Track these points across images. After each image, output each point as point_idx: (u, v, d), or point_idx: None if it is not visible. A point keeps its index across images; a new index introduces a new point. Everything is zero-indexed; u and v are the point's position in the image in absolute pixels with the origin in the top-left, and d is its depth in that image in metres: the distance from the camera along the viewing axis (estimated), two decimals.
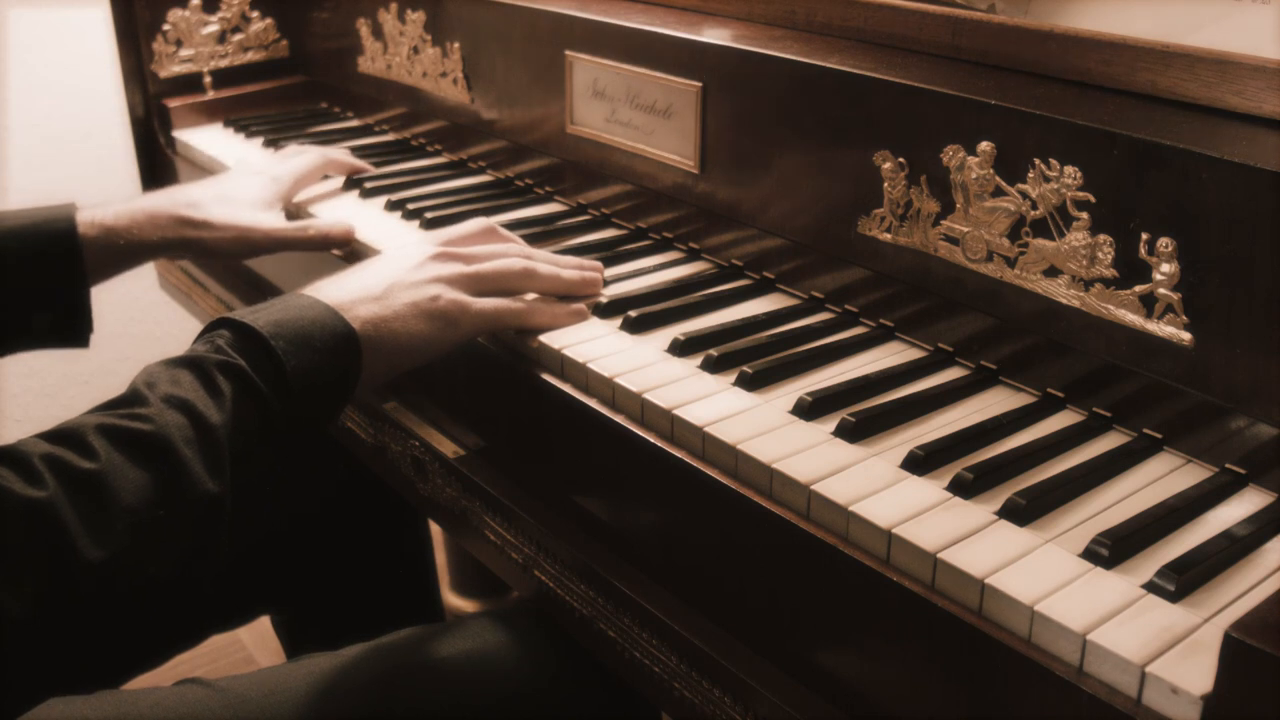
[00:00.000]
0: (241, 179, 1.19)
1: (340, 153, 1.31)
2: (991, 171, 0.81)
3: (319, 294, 0.86)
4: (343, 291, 0.87)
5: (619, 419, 0.83)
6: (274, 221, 1.15)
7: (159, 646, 1.22)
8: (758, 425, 0.78)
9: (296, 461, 1.26)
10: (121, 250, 1.08)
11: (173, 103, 1.53)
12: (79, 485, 0.67)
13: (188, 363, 0.77)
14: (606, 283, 1.01)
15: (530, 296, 0.95)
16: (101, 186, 2.03)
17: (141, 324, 2.23)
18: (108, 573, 0.67)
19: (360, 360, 0.83)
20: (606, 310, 0.96)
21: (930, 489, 0.72)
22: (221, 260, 1.37)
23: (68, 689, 0.95)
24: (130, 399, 0.74)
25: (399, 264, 0.91)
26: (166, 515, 0.70)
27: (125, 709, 0.92)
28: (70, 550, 0.65)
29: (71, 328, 1.07)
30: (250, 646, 2.00)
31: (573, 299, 0.97)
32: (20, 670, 0.66)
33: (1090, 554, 0.65)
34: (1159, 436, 0.77)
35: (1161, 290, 0.73)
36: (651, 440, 0.80)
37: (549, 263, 0.98)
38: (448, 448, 1.02)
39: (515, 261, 0.94)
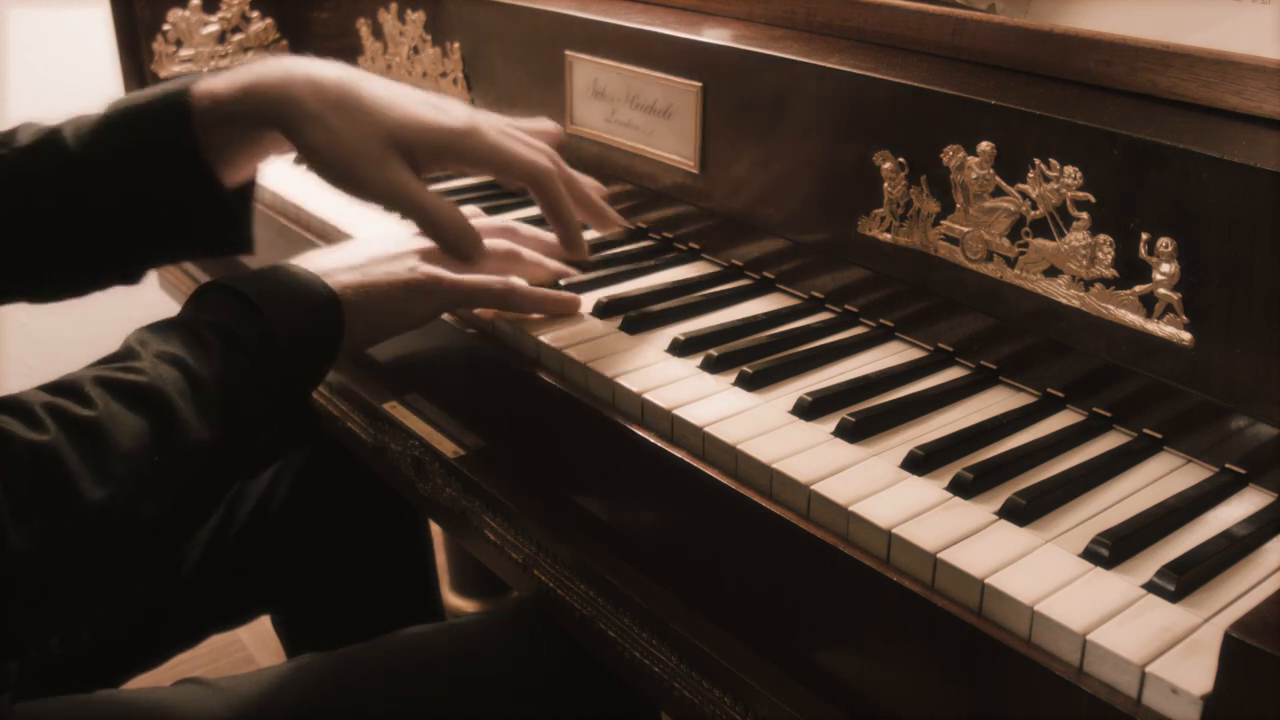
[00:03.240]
0: None
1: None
2: (991, 171, 0.81)
3: (303, 263, 0.89)
4: (325, 261, 0.90)
5: (619, 419, 0.83)
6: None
7: (159, 646, 1.22)
8: (758, 425, 0.78)
9: (297, 460, 1.26)
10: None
11: None
12: (79, 431, 0.69)
13: (177, 324, 0.80)
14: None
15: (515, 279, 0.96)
16: None
17: (141, 323, 2.24)
18: (107, 515, 0.69)
19: (342, 323, 0.86)
20: (606, 310, 0.96)
21: (930, 489, 0.72)
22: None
23: (68, 688, 0.95)
24: (124, 355, 0.77)
25: (381, 242, 0.94)
26: (162, 460, 0.72)
27: (125, 709, 0.93)
28: (73, 491, 0.68)
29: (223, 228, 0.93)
30: (250, 646, 2.00)
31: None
32: (24, 606, 0.68)
33: (1090, 554, 0.65)
34: (1159, 436, 0.77)
35: (1161, 290, 0.73)
36: (651, 440, 0.80)
37: (533, 239, 1.00)
38: (448, 448, 1.02)
39: (497, 242, 0.96)
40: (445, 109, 0.90)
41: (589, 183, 1.00)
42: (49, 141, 0.89)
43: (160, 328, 0.79)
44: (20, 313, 2.00)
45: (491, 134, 0.90)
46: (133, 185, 0.88)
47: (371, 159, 0.86)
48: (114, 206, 0.88)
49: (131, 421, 0.71)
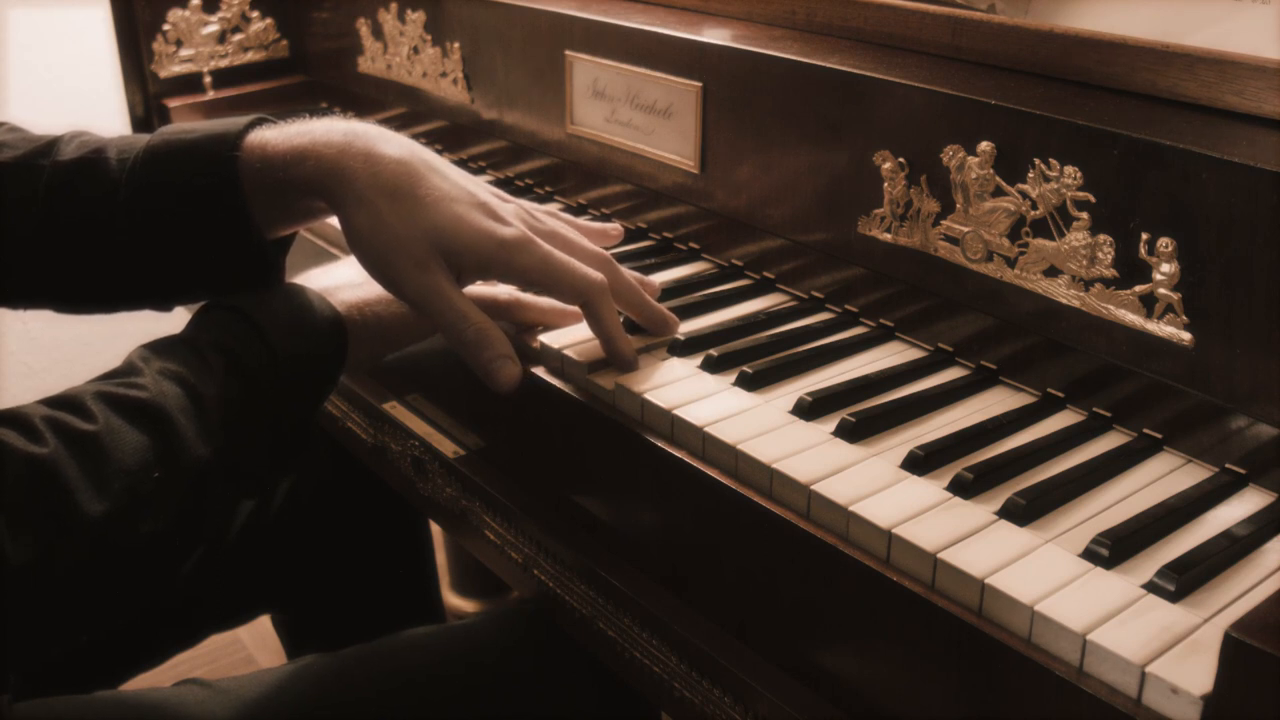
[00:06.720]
0: None
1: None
2: (991, 171, 0.81)
3: (307, 282, 0.89)
4: (328, 279, 0.90)
5: (619, 419, 0.83)
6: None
7: (158, 646, 1.22)
8: (758, 425, 0.78)
9: (296, 461, 1.26)
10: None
11: (173, 103, 1.53)
12: (79, 444, 0.69)
13: (180, 342, 0.79)
14: None
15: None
16: None
17: (140, 321, 2.23)
18: (106, 529, 0.68)
19: (346, 343, 0.86)
20: None
21: (930, 489, 0.72)
22: None
23: (67, 688, 0.95)
24: (125, 371, 0.76)
25: None
26: (162, 477, 0.72)
27: (125, 709, 0.93)
28: (71, 504, 0.67)
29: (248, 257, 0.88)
30: (250, 646, 2.00)
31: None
32: (20, 621, 0.67)
33: (1090, 554, 0.65)
34: (1159, 436, 0.77)
35: (1161, 290, 0.73)
36: (651, 440, 0.80)
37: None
38: (448, 448, 1.02)
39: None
40: (501, 213, 0.83)
41: (643, 283, 0.94)
42: (92, 163, 0.85)
43: (163, 345, 0.78)
44: (20, 312, 2.01)
45: (540, 249, 0.83)
46: (172, 227, 0.84)
47: (412, 259, 0.79)
48: (150, 242, 0.84)
49: (132, 437, 0.71)
